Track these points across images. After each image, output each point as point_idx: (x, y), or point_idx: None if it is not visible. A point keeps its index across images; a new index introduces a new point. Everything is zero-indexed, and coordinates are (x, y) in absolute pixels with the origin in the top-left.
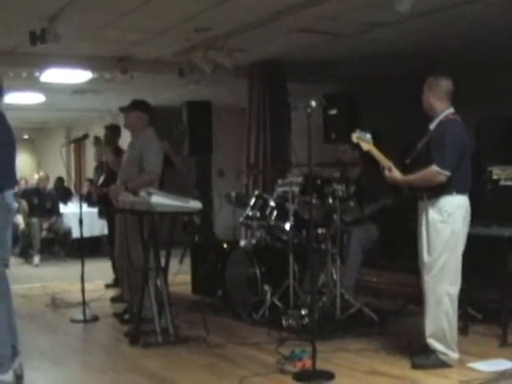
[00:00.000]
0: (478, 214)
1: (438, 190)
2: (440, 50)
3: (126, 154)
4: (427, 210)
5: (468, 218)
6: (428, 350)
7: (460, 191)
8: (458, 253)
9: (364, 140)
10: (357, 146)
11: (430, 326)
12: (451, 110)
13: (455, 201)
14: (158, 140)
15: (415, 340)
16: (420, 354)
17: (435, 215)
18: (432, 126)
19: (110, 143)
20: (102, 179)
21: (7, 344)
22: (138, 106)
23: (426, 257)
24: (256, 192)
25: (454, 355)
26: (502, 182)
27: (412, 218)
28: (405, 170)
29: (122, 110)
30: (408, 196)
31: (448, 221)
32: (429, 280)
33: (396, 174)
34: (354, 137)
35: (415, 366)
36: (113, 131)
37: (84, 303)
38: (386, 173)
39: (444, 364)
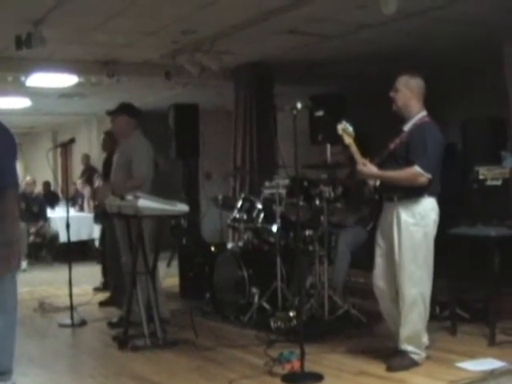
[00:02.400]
0: (464, 214)
1: (411, 192)
2: (427, 50)
3: (115, 159)
4: (398, 212)
5: (438, 221)
6: (401, 352)
7: (431, 194)
8: (430, 255)
9: (348, 133)
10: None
11: (406, 330)
12: (425, 113)
13: (427, 203)
14: (147, 143)
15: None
16: (394, 356)
17: (408, 218)
18: (407, 128)
19: (108, 149)
20: (97, 184)
21: (12, 357)
22: (125, 110)
23: (397, 260)
24: (243, 194)
25: (423, 354)
26: (489, 182)
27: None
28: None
29: (110, 113)
30: (369, 196)
31: (420, 223)
32: (402, 283)
33: (372, 168)
34: (340, 128)
35: (390, 369)
36: (111, 137)
37: (72, 307)
38: (360, 167)
39: (415, 363)
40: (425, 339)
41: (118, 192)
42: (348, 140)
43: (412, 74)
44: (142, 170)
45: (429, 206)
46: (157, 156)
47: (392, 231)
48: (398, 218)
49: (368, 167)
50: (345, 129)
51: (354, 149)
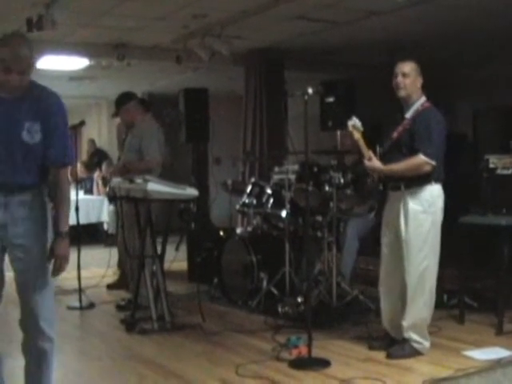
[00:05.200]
0: (474, 203)
1: (418, 180)
2: (437, 37)
3: (127, 141)
4: (406, 200)
5: (443, 208)
6: (404, 340)
7: (437, 180)
8: (437, 243)
9: (357, 129)
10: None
11: (410, 317)
12: (424, 98)
13: (434, 190)
14: (158, 126)
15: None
16: (395, 344)
17: (416, 206)
18: (408, 115)
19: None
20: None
21: None
22: (131, 96)
23: (405, 249)
24: (252, 179)
25: (427, 343)
26: (499, 171)
27: (379, 209)
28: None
29: (119, 105)
30: (373, 186)
31: (429, 211)
32: (411, 272)
33: (376, 163)
34: (350, 125)
35: (389, 357)
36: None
37: (80, 290)
38: (366, 162)
39: (417, 353)
40: None
41: (130, 168)
42: (357, 135)
43: (415, 60)
44: (153, 153)
45: (435, 193)
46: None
47: (399, 220)
48: (406, 206)
49: (373, 162)
50: (354, 125)
51: (361, 143)
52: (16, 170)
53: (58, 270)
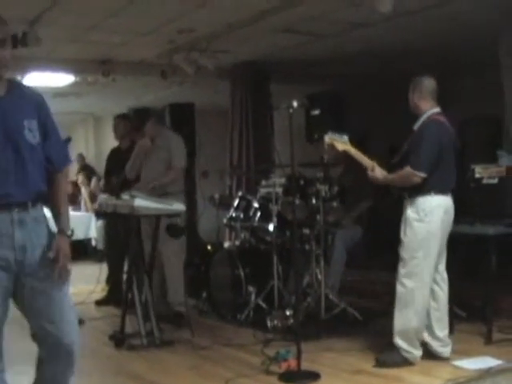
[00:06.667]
0: (461, 212)
1: (416, 190)
2: (424, 49)
3: (152, 155)
4: (406, 208)
5: (448, 219)
6: (391, 347)
7: (439, 191)
8: (432, 253)
9: (338, 141)
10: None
11: (398, 324)
12: (436, 110)
13: (433, 201)
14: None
15: None
16: (384, 351)
17: (412, 214)
18: (416, 127)
19: (122, 136)
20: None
21: None
22: (150, 112)
23: (401, 254)
24: (239, 193)
25: (417, 353)
26: (485, 180)
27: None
28: (392, 169)
29: (144, 122)
30: (394, 194)
31: (424, 220)
32: (402, 277)
33: (378, 173)
34: (327, 138)
35: (378, 364)
36: (127, 122)
37: None
38: (369, 173)
39: (406, 361)
40: (432, 340)
41: (159, 186)
42: (342, 147)
43: (422, 74)
44: (181, 160)
45: (435, 203)
46: None
47: (400, 227)
48: (405, 214)
49: (375, 172)
50: (333, 138)
51: (354, 153)
52: (29, 177)
53: (61, 269)
